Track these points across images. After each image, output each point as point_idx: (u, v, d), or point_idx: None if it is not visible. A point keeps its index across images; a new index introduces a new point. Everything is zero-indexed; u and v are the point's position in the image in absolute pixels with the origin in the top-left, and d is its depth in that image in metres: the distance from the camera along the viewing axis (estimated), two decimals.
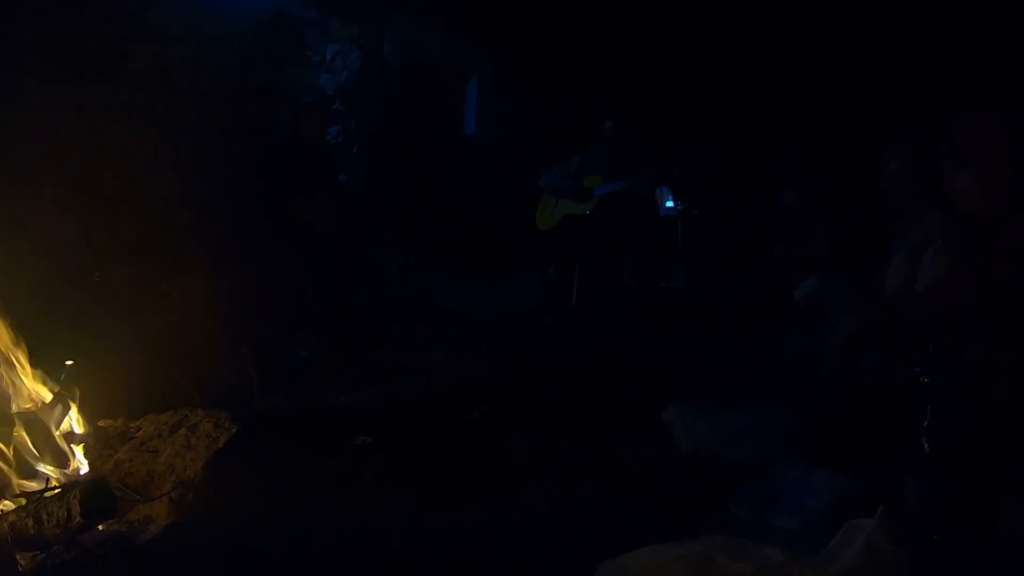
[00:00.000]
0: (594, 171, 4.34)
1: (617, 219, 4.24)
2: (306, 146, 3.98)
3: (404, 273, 4.94)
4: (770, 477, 1.89)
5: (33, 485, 1.65)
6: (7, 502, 1.53)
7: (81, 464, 1.89)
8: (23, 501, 1.53)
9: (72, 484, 1.62)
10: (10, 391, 1.87)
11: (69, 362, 2.21)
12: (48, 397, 1.93)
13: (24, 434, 1.66)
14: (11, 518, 1.46)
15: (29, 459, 1.67)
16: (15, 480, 1.60)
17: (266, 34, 4.63)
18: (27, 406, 1.83)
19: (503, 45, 5.43)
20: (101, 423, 2.01)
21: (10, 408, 1.78)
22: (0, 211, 2.76)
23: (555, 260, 4.43)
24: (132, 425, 2.08)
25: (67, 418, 1.97)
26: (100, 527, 1.48)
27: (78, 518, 1.42)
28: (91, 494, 1.50)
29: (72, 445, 1.88)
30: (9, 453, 1.59)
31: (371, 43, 5.45)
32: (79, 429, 2.01)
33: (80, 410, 2.04)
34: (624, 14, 5.14)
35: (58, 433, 1.88)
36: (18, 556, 1.37)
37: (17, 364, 1.95)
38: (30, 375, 1.98)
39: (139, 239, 4.00)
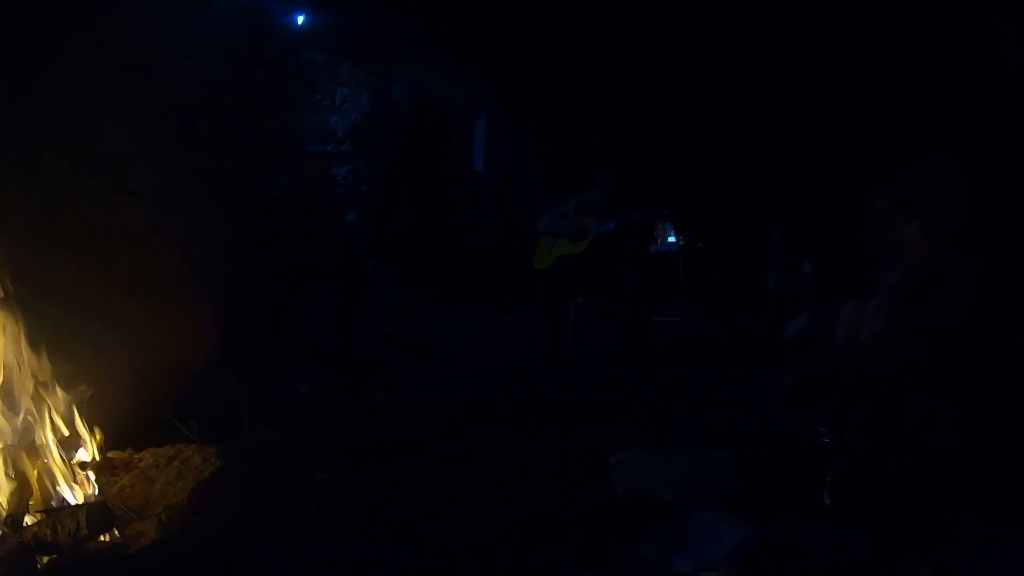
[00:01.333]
0: (589, 213, 4.83)
1: (607, 258, 4.70)
2: (309, 191, 4.56)
3: (404, 311, 5.47)
4: (686, 522, 2.10)
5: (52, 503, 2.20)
6: (32, 515, 2.07)
7: (92, 487, 2.43)
8: (43, 516, 2.07)
9: (82, 504, 2.16)
10: (36, 424, 2.43)
11: (86, 396, 2.77)
12: (67, 430, 2.48)
13: (47, 461, 2.20)
14: (33, 528, 1.99)
15: (50, 482, 2.22)
16: (39, 498, 2.14)
17: (277, 79, 5.24)
18: (50, 437, 2.39)
19: (507, 87, 5.97)
20: (110, 454, 2.55)
21: (35, 439, 2.34)
22: (28, 248, 3.29)
23: (549, 299, 4.90)
24: (135, 456, 2.62)
25: (82, 448, 2.52)
26: (102, 538, 2.01)
27: (84, 530, 1.95)
28: (95, 512, 2.04)
29: (85, 471, 2.43)
30: (34, 477, 2.14)
31: (379, 85, 6.06)
32: (93, 456, 2.56)
33: (93, 441, 2.59)
34: (620, 58, 5.65)
35: (74, 461, 2.42)
36: (38, 557, 1.89)
37: (45, 398, 2.51)
38: (56, 409, 2.54)
39: (152, 277, 4.61)
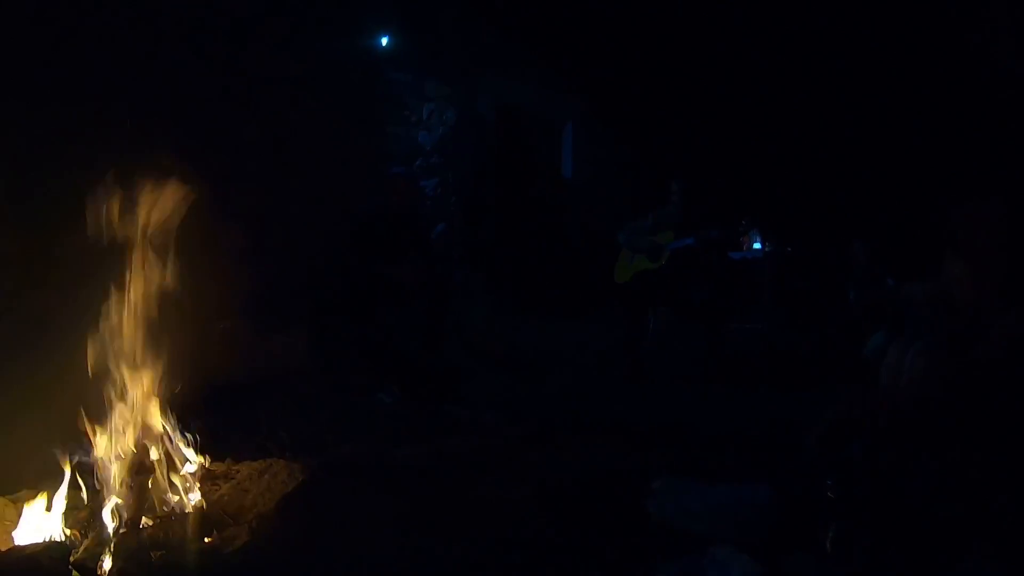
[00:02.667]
0: (668, 227, 5.12)
1: (686, 273, 5.00)
2: (393, 212, 5.10)
3: (490, 321, 5.95)
4: (702, 555, 2.30)
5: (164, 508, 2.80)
6: (148, 519, 2.68)
7: (196, 494, 3.02)
8: (157, 520, 2.68)
9: (189, 511, 2.75)
10: (151, 439, 3.05)
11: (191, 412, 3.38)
12: (176, 444, 3.09)
13: (160, 474, 2.80)
14: (149, 530, 2.58)
15: (163, 490, 2.82)
16: (154, 504, 2.74)
17: (363, 102, 5.81)
18: (163, 451, 3.00)
19: (593, 93, 6.31)
20: (211, 466, 3.14)
21: (150, 453, 2.95)
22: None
23: (627, 314, 5.23)
24: (233, 468, 3.21)
25: (189, 460, 3.13)
26: (204, 540, 2.58)
27: (189, 533, 2.53)
28: (198, 518, 2.63)
29: (191, 481, 3.03)
30: (149, 487, 2.74)
31: (465, 99, 6.56)
32: (199, 467, 3.16)
33: (197, 454, 3.20)
34: (707, 66, 5.85)
35: (183, 472, 3.03)
36: (152, 554, 2.47)
37: (159, 415, 3.12)
38: (167, 425, 3.15)
39: (256, 295, 5.27)
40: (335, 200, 5.59)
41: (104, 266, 3.00)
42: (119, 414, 2.90)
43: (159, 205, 3.36)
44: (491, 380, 5.11)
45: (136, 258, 3.12)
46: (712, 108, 6.09)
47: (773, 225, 5.52)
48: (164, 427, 3.04)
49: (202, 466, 3.11)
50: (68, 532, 2.61)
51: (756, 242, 5.95)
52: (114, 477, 2.73)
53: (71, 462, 2.74)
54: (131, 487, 2.71)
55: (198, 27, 4.84)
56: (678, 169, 5.17)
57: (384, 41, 5.83)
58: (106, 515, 2.62)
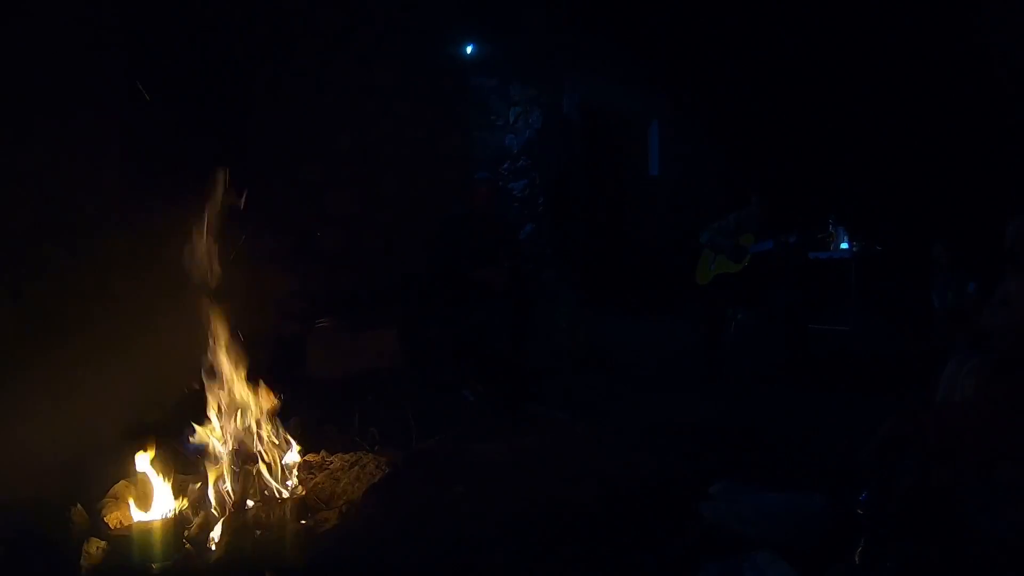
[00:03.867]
0: (748, 229, 5.26)
1: (765, 276, 5.12)
2: (478, 217, 5.42)
3: (575, 320, 6.20)
4: (743, 560, 2.44)
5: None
6: (252, 503, 3.11)
7: (294, 481, 3.45)
8: (260, 503, 3.10)
9: (287, 496, 3.17)
10: (256, 431, 3.49)
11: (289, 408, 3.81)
12: (277, 437, 3.52)
13: (262, 465, 3.23)
14: (253, 511, 3.00)
15: (266, 477, 3.25)
16: (257, 489, 3.18)
17: (453, 108, 6.18)
18: (265, 443, 3.43)
19: (678, 90, 6.45)
20: (308, 457, 3.56)
21: (255, 444, 3.39)
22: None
23: (706, 315, 5.40)
24: (327, 459, 3.62)
25: (288, 451, 3.56)
26: (300, 522, 2.98)
27: (287, 515, 2.94)
28: (296, 503, 3.04)
29: (291, 470, 3.45)
30: (254, 476, 3.17)
31: (550, 100, 6.81)
32: (294, 457, 3.59)
33: (296, 445, 3.63)
34: (791, 67, 5.90)
35: (283, 462, 3.46)
36: (255, 532, 2.90)
37: (262, 410, 3.56)
38: (269, 419, 3.58)
39: (351, 296, 5.73)
40: (425, 204, 5.99)
41: (206, 270, 3.33)
42: (228, 407, 3.35)
43: (260, 212, 3.71)
44: (572, 379, 5.39)
45: (235, 261, 3.45)
46: (803, 107, 6.13)
47: (862, 224, 5.55)
48: (267, 420, 3.48)
49: (300, 456, 3.54)
50: (182, 510, 3.04)
51: (843, 241, 5.95)
52: (224, 464, 3.18)
53: (184, 450, 3.18)
54: (238, 473, 3.15)
55: (292, 44, 5.31)
56: (763, 169, 5.29)
57: (469, 48, 6.15)
58: (216, 497, 3.07)
